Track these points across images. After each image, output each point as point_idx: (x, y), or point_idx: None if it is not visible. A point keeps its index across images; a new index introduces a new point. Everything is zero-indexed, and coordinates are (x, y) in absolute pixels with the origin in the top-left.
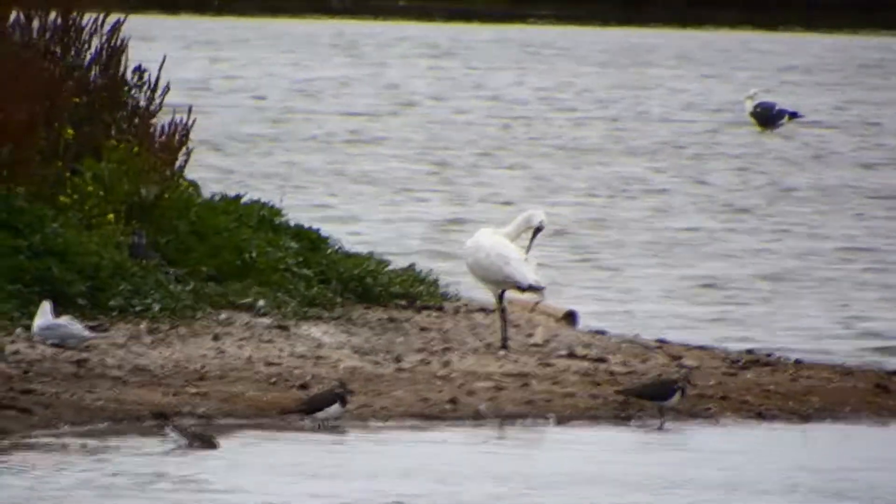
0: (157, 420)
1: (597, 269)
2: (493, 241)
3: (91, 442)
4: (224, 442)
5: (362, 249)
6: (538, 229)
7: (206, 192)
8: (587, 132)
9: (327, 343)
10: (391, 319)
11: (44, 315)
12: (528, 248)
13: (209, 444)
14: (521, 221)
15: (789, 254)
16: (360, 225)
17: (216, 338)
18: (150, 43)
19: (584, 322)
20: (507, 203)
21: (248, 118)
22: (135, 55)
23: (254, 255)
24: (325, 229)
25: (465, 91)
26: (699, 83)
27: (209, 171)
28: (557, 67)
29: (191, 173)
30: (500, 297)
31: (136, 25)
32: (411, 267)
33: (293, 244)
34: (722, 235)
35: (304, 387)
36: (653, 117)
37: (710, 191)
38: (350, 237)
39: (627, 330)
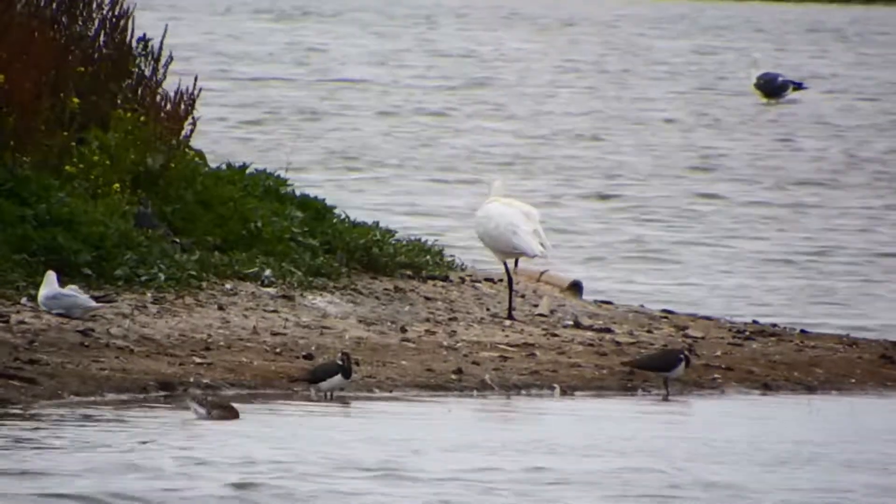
0: (166, 391)
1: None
2: (503, 211)
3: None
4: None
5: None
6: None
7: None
8: None
9: (333, 313)
10: (397, 289)
11: (49, 285)
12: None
13: (230, 414)
14: (499, 186)
15: None
16: None
17: (221, 308)
18: (152, 12)
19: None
20: None
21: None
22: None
23: (259, 224)
24: None
25: None
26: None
27: None
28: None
29: None
30: (515, 266)
31: None
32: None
33: (298, 213)
34: None
35: (309, 357)
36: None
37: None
38: None
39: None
